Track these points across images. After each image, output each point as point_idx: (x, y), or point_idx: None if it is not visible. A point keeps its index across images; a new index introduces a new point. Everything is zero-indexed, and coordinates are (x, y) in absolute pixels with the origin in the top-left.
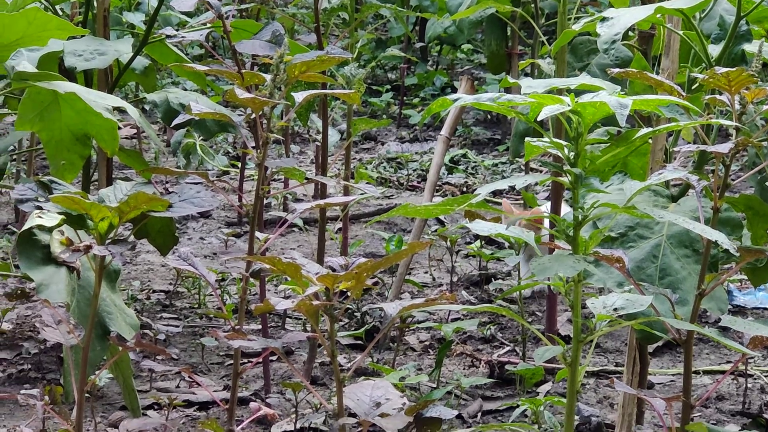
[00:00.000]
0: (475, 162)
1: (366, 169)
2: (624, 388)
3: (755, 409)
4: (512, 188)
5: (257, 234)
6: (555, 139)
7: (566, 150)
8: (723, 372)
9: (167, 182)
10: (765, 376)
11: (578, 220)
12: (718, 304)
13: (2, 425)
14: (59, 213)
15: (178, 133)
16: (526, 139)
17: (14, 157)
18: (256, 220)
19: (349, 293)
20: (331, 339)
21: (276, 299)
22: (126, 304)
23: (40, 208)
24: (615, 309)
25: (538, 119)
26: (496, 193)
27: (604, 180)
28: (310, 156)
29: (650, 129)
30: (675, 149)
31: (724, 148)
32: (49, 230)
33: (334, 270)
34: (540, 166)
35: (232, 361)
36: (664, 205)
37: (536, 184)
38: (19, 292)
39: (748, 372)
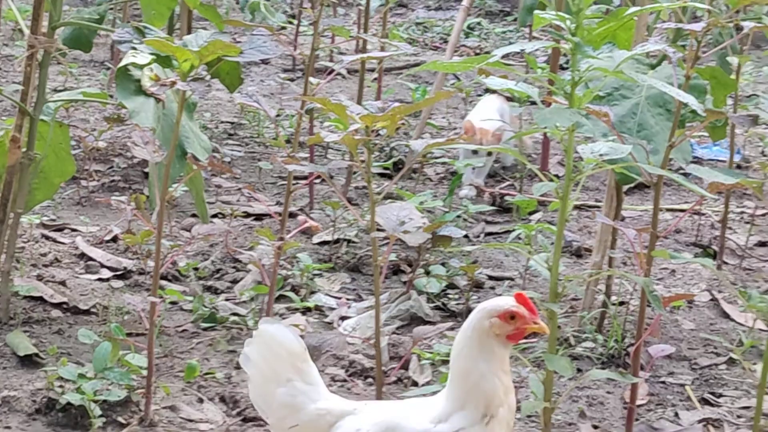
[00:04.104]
0: (487, 29)
1: (398, 30)
2: (603, 219)
3: (706, 241)
4: (521, 51)
5: (311, 79)
6: (560, 13)
7: (568, 22)
8: (682, 210)
9: (235, 33)
10: (714, 215)
11: (575, 81)
12: (684, 155)
13: (96, 224)
14: (150, 54)
15: None
16: (536, 12)
17: (112, 6)
18: (311, 68)
19: (382, 131)
20: (368, 168)
21: (324, 133)
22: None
23: (135, 48)
24: (601, 155)
25: None
26: (504, 55)
27: (596, 48)
28: (352, 17)
29: (639, 8)
30: (656, 25)
31: (698, 26)
32: (141, 67)
33: (373, 112)
34: (542, 34)
35: (284, 182)
36: (644, 72)
37: (538, 49)
38: (116, 117)
39: (701, 211)
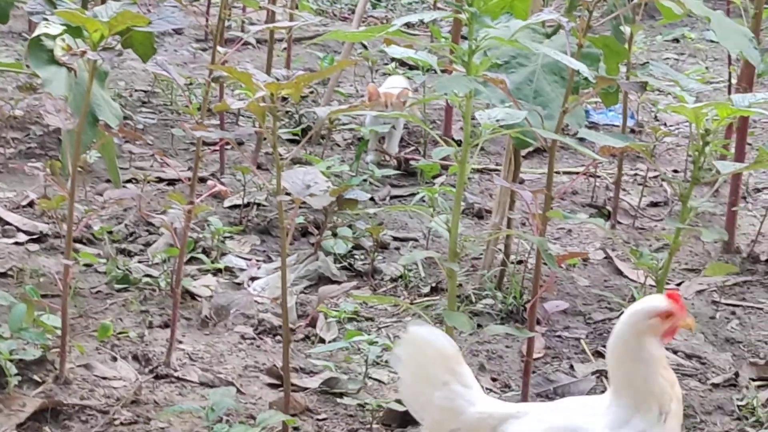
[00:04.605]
0: (394, 1)
1: (307, 1)
2: (501, 182)
3: (600, 202)
4: (422, 21)
5: (219, 48)
6: None
7: None
8: (578, 173)
9: (149, 5)
10: (609, 177)
11: (472, 49)
12: (578, 119)
13: (13, 189)
14: (62, 24)
15: None
16: None
17: None
18: (219, 37)
19: (289, 98)
20: (273, 133)
21: (231, 100)
22: (112, 99)
23: (47, 19)
24: (497, 120)
25: None
26: (410, 25)
27: (494, 18)
28: None
29: None
30: None
31: None
32: (54, 38)
33: (278, 80)
34: (445, 5)
35: (195, 148)
36: (540, 41)
37: (441, 19)
38: (28, 85)
39: (597, 174)
